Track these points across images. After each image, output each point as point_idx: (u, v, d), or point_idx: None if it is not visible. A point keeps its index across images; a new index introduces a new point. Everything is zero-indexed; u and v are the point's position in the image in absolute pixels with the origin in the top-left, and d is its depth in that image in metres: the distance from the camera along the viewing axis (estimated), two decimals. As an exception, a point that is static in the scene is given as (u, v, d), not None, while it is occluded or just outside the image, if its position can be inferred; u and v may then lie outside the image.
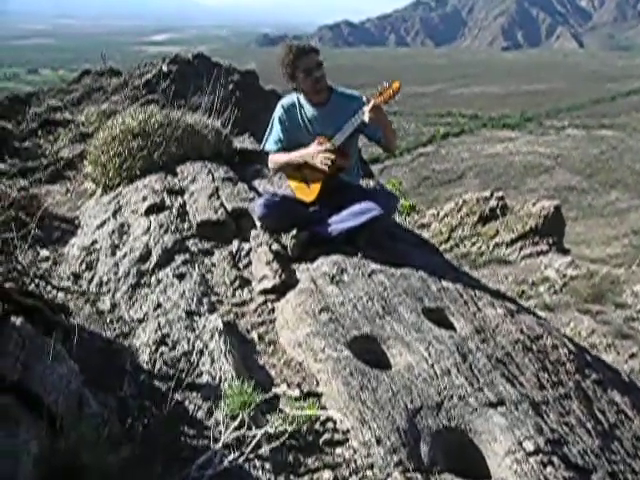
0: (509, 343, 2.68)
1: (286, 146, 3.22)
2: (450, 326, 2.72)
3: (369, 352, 2.42)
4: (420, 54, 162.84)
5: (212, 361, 2.10)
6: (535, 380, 2.50)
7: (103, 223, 3.66)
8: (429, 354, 2.38)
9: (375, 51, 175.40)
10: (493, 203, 8.26)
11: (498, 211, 8.12)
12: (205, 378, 2.02)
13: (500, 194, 8.50)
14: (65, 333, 2.09)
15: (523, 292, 6.34)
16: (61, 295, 2.49)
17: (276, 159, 3.25)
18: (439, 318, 2.75)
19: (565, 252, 7.69)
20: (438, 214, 8.67)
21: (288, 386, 2.14)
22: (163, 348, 2.17)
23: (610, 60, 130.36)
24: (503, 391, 2.29)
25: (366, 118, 2.90)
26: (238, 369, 2.07)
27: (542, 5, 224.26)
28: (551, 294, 6.29)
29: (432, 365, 2.33)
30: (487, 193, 8.53)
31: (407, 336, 2.48)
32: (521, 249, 7.52)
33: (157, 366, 2.08)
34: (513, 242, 7.62)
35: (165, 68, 11.51)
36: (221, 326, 2.31)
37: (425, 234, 7.45)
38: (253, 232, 3.33)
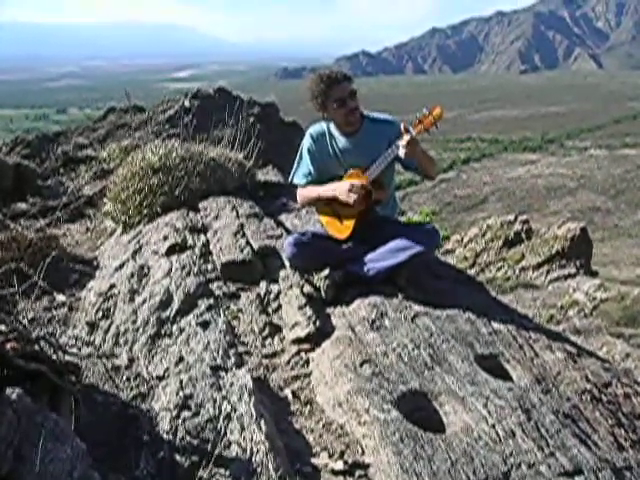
0: (575, 394, 2.37)
1: (316, 178, 2.97)
2: (506, 375, 2.42)
3: (419, 410, 2.12)
4: (438, 81, 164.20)
5: (242, 428, 1.82)
6: (611, 439, 2.17)
7: (122, 265, 3.43)
8: (488, 412, 2.08)
9: (393, 79, 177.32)
10: (518, 227, 8.08)
11: (523, 235, 7.94)
12: (234, 450, 1.73)
13: (524, 217, 8.33)
14: (74, 398, 1.84)
15: (552, 317, 6.10)
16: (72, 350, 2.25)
17: (306, 194, 3.00)
18: (493, 366, 2.45)
19: (593, 274, 7.43)
20: (462, 240, 8.47)
21: (330, 456, 1.84)
22: (185, 413, 1.89)
23: (630, 79, 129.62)
24: (578, 455, 1.97)
25: (401, 153, 2.64)
26: (272, 439, 1.77)
27: (558, 27, 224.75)
28: (581, 318, 6.05)
29: (493, 425, 2.02)
30: (511, 217, 8.37)
31: (461, 390, 2.17)
32: (548, 273, 7.29)
33: (179, 436, 1.80)
34: (539, 266, 7.43)
35: (187, 103, 11.59)
36: (250, 384, 2.03)
37: (450, 260, 7.20)
38: (282, 273, 3.06)
